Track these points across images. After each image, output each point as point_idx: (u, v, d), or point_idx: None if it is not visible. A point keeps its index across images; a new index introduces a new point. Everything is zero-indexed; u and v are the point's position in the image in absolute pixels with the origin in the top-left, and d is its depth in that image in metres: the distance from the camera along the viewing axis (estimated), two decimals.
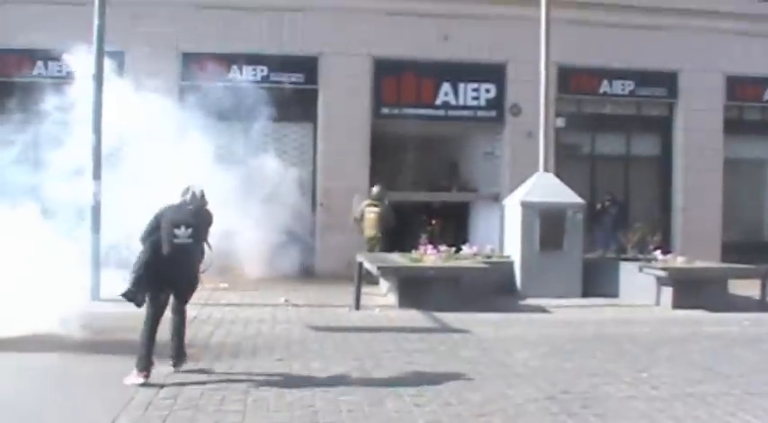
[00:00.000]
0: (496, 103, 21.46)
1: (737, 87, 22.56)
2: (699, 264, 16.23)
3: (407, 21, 20.67)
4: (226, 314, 13.52)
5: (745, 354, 11.02)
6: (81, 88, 14.89)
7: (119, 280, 9.54)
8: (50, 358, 9.83)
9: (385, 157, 21.35)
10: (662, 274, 15.43)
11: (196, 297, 9.75)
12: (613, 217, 20.86)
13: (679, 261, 16.28)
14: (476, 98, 21.38)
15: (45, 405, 7.95)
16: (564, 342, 11.63)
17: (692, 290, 15.24)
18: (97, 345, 10.56)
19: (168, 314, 9.27)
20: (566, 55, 20.32)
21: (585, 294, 16.40)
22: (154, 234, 8.99)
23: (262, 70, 20.29)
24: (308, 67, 20.63)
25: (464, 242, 17.97)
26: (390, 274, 15.39)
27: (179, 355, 9.30)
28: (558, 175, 18.33)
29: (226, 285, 16.17)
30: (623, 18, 21.40)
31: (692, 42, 21.85)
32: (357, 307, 14.56)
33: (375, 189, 18.58)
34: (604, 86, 22.03)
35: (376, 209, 18.33)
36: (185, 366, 9.31)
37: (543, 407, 8.02)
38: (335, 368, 9.58)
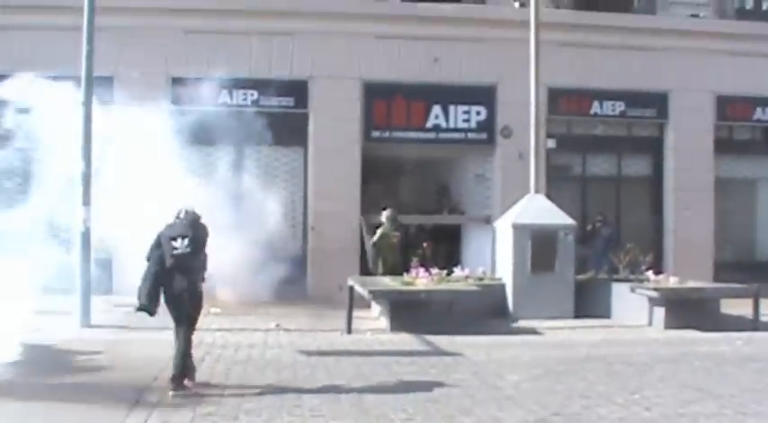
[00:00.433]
0: (487, 126, 21.44)
1: (728, 107, 22.59)
2: (691, 284, 16.25)
3: (397, 44, 20.73)
4: (217, 339, 13.48)
5: (738, 373, 11.05)
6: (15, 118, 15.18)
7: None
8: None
9: (376, 181, 21.34)
10: (654, 294, 15.45)
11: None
12: (605, 238, 20.80)
13: (671, 281, 16.31)
14: (466, 120, 21.37)
15: None
16: (556, 364, 11.63)
17: (685, 310, 15.25)
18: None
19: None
20: (556, 76, 20.33)
21: (578, 315, 16.38)
22: (157, 251, 9.77)
23: (252, 94, 20.27)
24: (298, 90, 20.60)
25: (456, 265, 17.90)
26: (382, 298, 15.38)
27: (177, 377, 9.55)
28: (549, 196, 18.37)
29: (218, 310, 16.14)
30: (613, 39, 21.44)
31: (682, 63, 21.90)
32: (349, 331, 14.53)
33: (393, 213, 18.28)
34: (595, 107, 22.05)
35: (397, 233, 18.17)
36: (178, 391, 9.36)
37: None
38: (327, 392, 9.57)
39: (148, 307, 9.70)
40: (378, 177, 21.50)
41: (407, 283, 15.66)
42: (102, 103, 15.62)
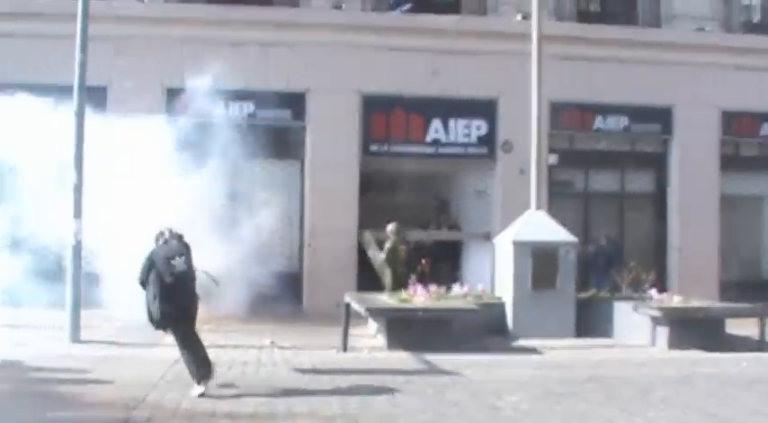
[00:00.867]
0: (488, 140, 21.50)
1: (734, 122, 22.59)
2: (695, 303, 16.17)
3: (396, 56, 20.71)
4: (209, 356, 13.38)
5: (743, 395, 10.99)
6: None
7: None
8: None
9: (374, 195, 21.40)
10: (657, 313, 15.39)
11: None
12: (607, 255, 20.78)
13: (675, 300, 16.24)
14: (467, 135, 21.44)
15: None
16: (556, 384, 11.57)
17: (689, 330, 15.18)
18: None
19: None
20: (558, 90, 20.26)
21: (579, 335, 16.31)
22: (152, 271, 10.45)
23: (248, 107, 20.36)
24: (295, 103, 20.67)
25: (455, 282, 17.84)
26: (379, 315, 15.34)
27: (203, 373, 10.51)
28: (550, 212, 18.28)
29: (211, 326, 16.05)
30: (616, 53, 21.50)
31: (687, 77, 21.84)
32: (345, 348, 14.49)
33: (398, 227, 18.19)
34: (598, 122, 22.10)
35: (404, 247, 18.19)
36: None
37: None
38: (321, 412, 9.53)
39: (164, 324, 10.55)
40: (376, 192, 21.62)
41: (405, 301, 15.60)
42: (95, 113, 15.56)
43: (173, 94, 19.64)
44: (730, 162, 22.70)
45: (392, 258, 17.84)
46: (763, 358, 14.26)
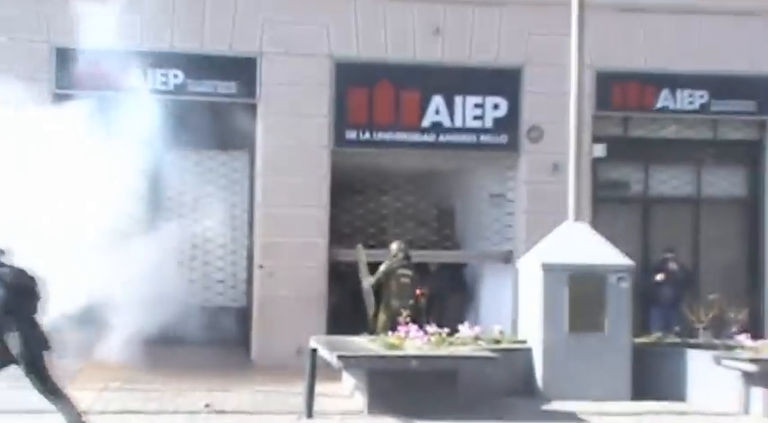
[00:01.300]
0: (508, 125, 21.46)
1: None
2: None
3: (383, 9, 20.87)
4: None
5: None
6: None
7: None
8: None
9: (351, 201, 21.62)
10: (750, 367, 15.21)
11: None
12: (676, 285, 20.80)
13: None
14: (479, 117, 21.38)
15: None
16: None
17: None
18: None
19: None
20: (607, 55, 20.48)
21: (637, 396, 16.18)
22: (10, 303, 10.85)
23: (175, 76, 20.37)
24: (241, 72, 20.75)
25: (462, 321, 17.63)
26: (357, 367, 15.13)
27: None
28: (595, 225, 18.25)
29: (118, 384, 16.11)
30: (692, 1, 21.50)
31: None
32: (309, 414, 14.31)
33: (402, 245, 18.84)
34: (663, 99, 22.07)
35: (408, 272, 18.58)
36: None
37: None
38: None
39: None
40: (353, 196, 21.85)
41: (393, 346, 15.42)
42: None
43: (65, 56, 19.68)
44: None
45: (385, 285, 18.28)
46: None
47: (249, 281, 20.71)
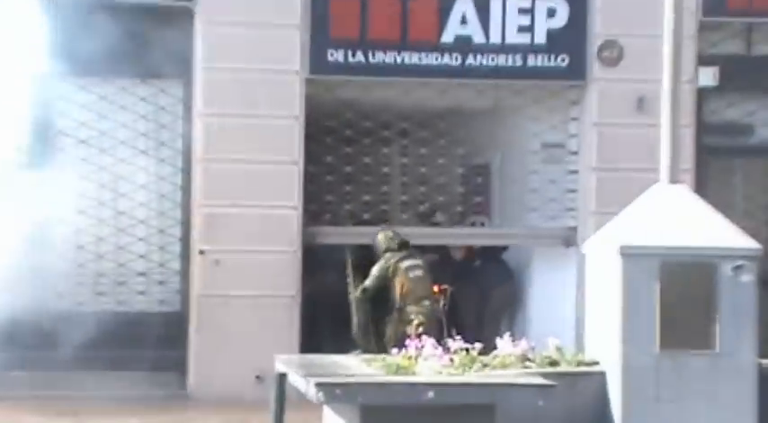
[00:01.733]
0: (570, 41, 21.26)
1: None
2: None
3: None
4: None
5: None
6: None
7: None
8: None
9: (335, 155, 21.70)
10: None
11: None
12: None
13: None
14: (526, 30, 21.04)
15: None
16: None
17: None
18: None
19: None
20: None
21: None
22: None
23: None
24: None
25: (501, 332, 17.24)
26: (346, 400, 14.25)
27: None
28: (700, 189, 18.19)
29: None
30: None
31: None
32: None
33: (389, 233, 19.59)
34: None
35: (419, 262, 19.32)
36: None
37: None
38: None
39: None
40: (339, 149, 21.91)
41: (400, 369, 14.70)
42: None
43: None
44: None
45: (388, 290, 19.24)
46: None
47: (184, 273, 20.60)
